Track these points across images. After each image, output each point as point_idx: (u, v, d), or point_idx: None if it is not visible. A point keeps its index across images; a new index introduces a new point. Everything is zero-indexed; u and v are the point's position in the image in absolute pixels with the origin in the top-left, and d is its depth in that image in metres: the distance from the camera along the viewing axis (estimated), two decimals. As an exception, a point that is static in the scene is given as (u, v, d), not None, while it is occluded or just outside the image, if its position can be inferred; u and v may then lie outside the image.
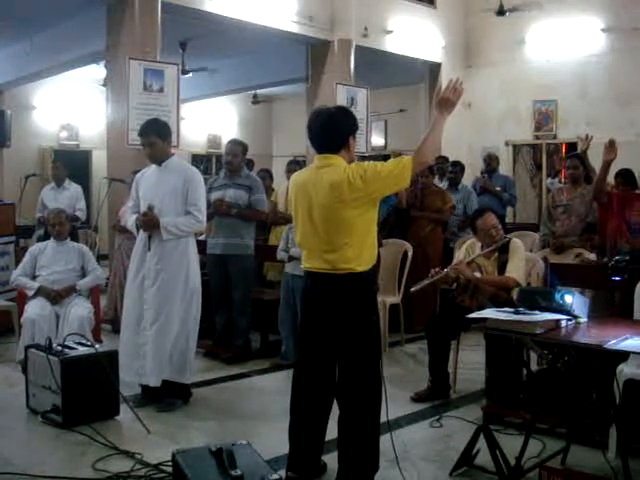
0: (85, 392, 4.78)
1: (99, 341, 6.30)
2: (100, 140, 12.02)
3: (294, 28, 10.81)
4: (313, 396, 3.83)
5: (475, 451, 4.04)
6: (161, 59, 8.62)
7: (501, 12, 12.82)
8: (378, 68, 12.72)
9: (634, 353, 3.60)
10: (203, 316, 5.46)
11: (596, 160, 7.13)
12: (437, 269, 5.46)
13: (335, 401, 3.84)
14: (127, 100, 8.03)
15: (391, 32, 12.24)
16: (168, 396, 5.19)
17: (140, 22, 8.51)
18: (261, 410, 5.20)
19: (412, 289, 5.47)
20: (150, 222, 5.09)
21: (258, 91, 17.34)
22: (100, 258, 8.01)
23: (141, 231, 5.21)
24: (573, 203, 6.68)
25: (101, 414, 4.85)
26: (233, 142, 6.87)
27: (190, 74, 12.44)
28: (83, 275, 6.35)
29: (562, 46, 12.55)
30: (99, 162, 13.61)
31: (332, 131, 3.73)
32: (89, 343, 5.11)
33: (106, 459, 4.22)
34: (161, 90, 8.26)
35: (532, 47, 12.99)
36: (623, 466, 3.61)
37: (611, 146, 5.79)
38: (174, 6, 9.07)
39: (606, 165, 5.91)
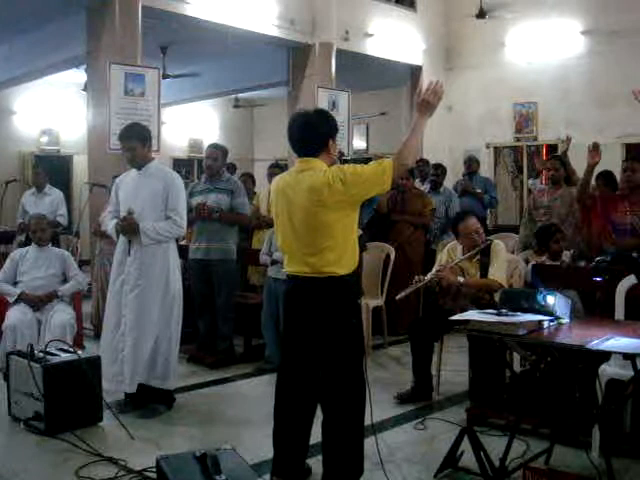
0: (68, 399, 4.75)
1: (81, 347, 6.26)
2: (81, 145, 11.94)
3: (275, 32, 10.79)
4: (297, 400, 3.82)
5: (459, 453, 4.05)
6: (142, 63, 8.59)
7: (481, 15, 12.86)
8: (359, 71, 12.73)
9: (616, 353, 3.63)
10: (186, 321, 5.45)
11: (577, 161, 7.20)
12: (420, 276, 5.47)
13: (319, 404, 3.84)
14: (108, 104, 7.99)
15: (372, 35, 12.25)
16: (151, 402, 5.18)
17: (120, 26, 8.47)
18: (245, 415, 5.19)
19: (397, 297, 5.49)
20: (130, 227, 5.08)
21: (239, 95, 17.30)
22: (81, 263, 7.96)
23: (121, 236, 5.19)
24: (554, 204, 6.72)
25: (84, 421, 4.82)
26: (213, 146, 6.86)
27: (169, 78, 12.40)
28: (64, 281, 6.33)
29: (542, 49, 12.61)
30: (80, 167, 13.54)
31: (311, 134, 3.73)
32: (71, 349, 5.08)
33: (90, 466, 4.20)
34: (142, 94, 8.23)
35: (512, 50, 13.04)
36: (606, 465, 3.63)
37: (595, 149, 5.82)
38: (155, 10, 9.04)
39: (590, 168, 5.94)
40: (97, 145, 8.41)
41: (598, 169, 6.40)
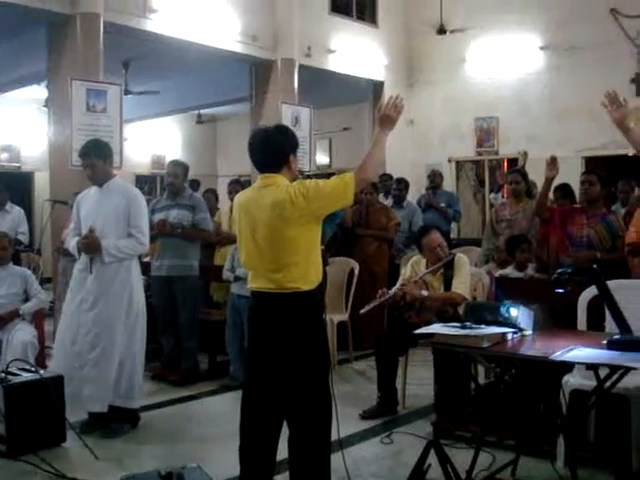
0: (30, 419, 4.68)
1: (44, 366, 6.17)
2: (42, 161, 11.84)
3: (237, 48, 10.81)
4: (262, 417, 3.79)
5: (426, 466, 4.04)
6: (104, 79, 8.54)
7: (442, 31, 13.01)
8: (322, 87, 12.79)
9: (579, 364, 3.67)
10: (150, 338, 5.41)
11: (537, 175, 7.27)
12: (384, 289, 5.49)
13: (285, 420, 3.82)
14: (70, 121, 7.93)
15: (334, 51, 12.32)
16: (115, 421, 5.11)
17: (82, 42, 8.42)
18: (211, 432, 5.15)
19: (361, 311, 5.49)
20: (91, 244, 5.03)
21: (202, 111, 17.28)
22: (43, 281, 7.87)
23: (82, 254, 5.13)
24: (516, 217, 6.78)
25: (47, 441, 4.75)
26: (174, 163, 6.84)
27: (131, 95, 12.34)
28: (26, 299, 6.24)
29: (502, 64, 12.78)
30: (41, 184, 13.41)
31: (272, 150, 3.73)
32: (33, 369, 5.00)
33: (53, 487, 4.14)
34: (104, 110, 8.17)
35: (473, 65, 13.20)
36: (571, 475, 3.67)
37: (552, 163, 5.87)
38: (116, 26, 9.00)
39: (548, 181, 5.99)
40: (58, 162, 8.34)
41: (555, 182, 6.48)
